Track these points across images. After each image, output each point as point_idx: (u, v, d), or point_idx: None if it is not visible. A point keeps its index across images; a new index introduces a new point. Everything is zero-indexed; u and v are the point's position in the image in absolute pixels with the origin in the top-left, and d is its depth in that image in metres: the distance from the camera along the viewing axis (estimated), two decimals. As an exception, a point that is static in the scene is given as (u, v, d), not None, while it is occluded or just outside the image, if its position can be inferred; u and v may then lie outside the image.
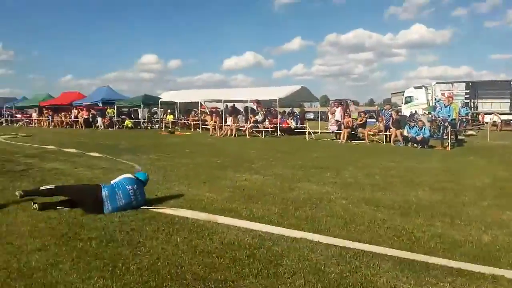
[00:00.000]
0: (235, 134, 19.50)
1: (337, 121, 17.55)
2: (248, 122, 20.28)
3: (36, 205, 4.86)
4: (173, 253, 3.54)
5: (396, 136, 14.56)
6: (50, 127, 32.13)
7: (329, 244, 3.81)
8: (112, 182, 5.20)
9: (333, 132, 17.67)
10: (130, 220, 4.55)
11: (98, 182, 6.52)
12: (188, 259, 3.42)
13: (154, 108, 31.23)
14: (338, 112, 17.99)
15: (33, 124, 35.91)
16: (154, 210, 4.96)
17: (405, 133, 14.11)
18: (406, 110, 29.07)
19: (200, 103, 25.60)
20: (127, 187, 4.99)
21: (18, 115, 39.32)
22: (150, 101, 30.25)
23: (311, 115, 34.95)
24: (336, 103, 19.47)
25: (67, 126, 31.46)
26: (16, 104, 40.19)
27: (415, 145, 13.38)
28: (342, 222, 4.62)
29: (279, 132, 19.82)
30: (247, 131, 19.57)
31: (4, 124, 38.38)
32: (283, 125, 20.10)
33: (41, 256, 3.37)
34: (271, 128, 19.95)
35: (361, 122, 17.09)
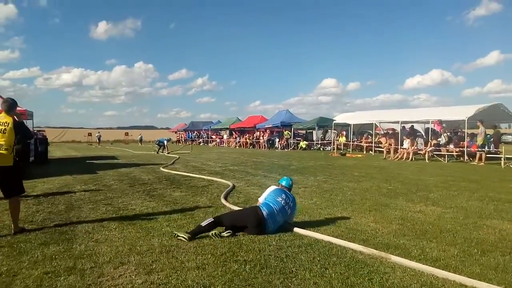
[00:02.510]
0: (412, 158, 17.85)
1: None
2: (429, 145, 18.30)
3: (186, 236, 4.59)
4: (325, 291, 3.21)
5: None
6: (236, 147, 35.97)
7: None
8: (262, 199, 5.27)
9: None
10: (287, 245, 4.41)
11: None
12: (341, 301, 3.03)
13: (328, 130, 31.54)
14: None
15: (224, 144, 40.94)
16: (312, 236, 4.72)
17: None
18: None
19: (375, 124, 24.56)
20: (277, 199, 5.08)
21: (213, 136, 45.62)
22: (324, 123, 30.76)
23: (509, 138, 29.58)
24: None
25: (250, 146, 34.68)
26: (211, 127, 46.98)
27: None
28: (550, 278, 3.46)
29: (466, 157, 17.19)
30: (426, 155, 17.66)
31: (201, 144, 45.03)
32: (472, 148, 17.38)
33: (198, 275, 3.49)
34: (456, 152, 17.49)
35: None
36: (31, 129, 21.78)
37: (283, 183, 5.50)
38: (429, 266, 3.71)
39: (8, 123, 4.85)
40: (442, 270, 3.60)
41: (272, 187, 5.46)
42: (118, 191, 8.40)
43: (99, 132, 51.98)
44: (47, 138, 18.06)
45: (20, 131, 5.02)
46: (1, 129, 4.80)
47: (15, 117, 4.99)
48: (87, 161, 17.76)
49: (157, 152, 24.47)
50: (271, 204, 5.02)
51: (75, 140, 62.61)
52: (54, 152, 25.55)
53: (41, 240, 4.59)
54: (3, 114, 4.92)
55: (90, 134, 57.38)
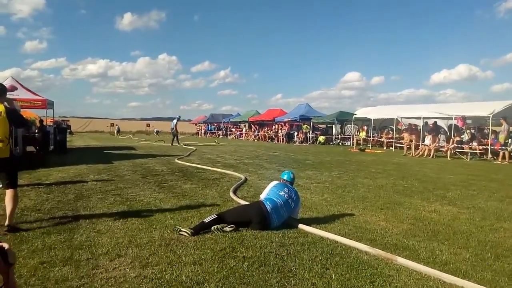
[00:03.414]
0: (433, 155, 17.32)
1: None
2: (451, 141, 17.71)
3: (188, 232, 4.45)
4: (322, 292, 3.06)
5: None
6: (255, 140, 35.90)
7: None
8: (264, 194, 5.16)
9: None
10: (290, 242, 4.28)
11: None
12: (338, 304, 2.88)
13: (348, 125, 30.98)
14: None
15: (243, 137, 40.97)
16: (317, 234, 4.57)
17: None
18: None
19: (397, 119, 23.97)
20: (280, 193, 5.00)
21: (232, 129, 45.76)
22: (344, 118, 30.24)
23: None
24: None
25: (269, 140, 34.54)
26: (231, 120, 47.09)
27: None
28: None
29: (489, 155, 16.57)
30: (448, 152, 17.11)
31: (220, 136, 45.19)
32: (496, 146, 16.71)
33: (193, 271, 3.39)
34: (480, 150, 16.88)
35: None
36: (52, 118, 22.28)
37: (285, 177, 5.46)
38: (437, 270, 3.51)
39: (1, 112, 4.44)
40: (451, 275, 3.40)
41: (273, 182, 5.37)
42: (130, 181, 8.43)
43: (117, 124, 56.78)
44: (66, 128, 18.40)
45: (13, 119, 4.59)
46: None
47: (5, 104, 4.61)
48: (105, 151, 17.99)
49: (172, 144, 24.28)
50: (274, 199, 4.91)
51: (98, 130, 63.97)
52: (76, 142, 26.00)
53: (44, 229, 4.60)
54: None
55: (112, 125, 59.31)
